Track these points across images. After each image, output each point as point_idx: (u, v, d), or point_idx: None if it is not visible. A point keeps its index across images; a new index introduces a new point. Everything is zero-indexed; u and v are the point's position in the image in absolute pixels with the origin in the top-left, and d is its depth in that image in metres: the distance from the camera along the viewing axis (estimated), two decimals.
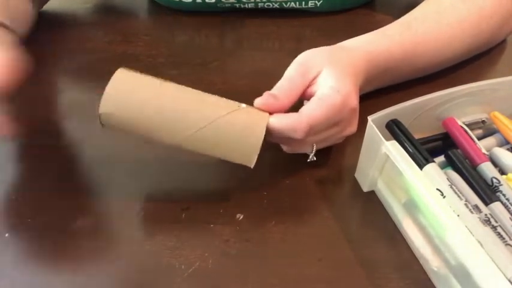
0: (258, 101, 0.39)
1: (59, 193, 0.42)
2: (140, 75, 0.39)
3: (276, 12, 0.63)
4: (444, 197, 0.35)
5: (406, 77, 0.51)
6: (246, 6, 0.61)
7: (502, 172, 0.39)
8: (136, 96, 0.37)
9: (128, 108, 0.37)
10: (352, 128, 0.42)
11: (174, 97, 0.38)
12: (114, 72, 0.37)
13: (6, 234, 0.39)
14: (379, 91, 0.50)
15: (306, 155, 0.43)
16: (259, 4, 0.61)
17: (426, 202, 0.36)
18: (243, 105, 0.39)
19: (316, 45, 0.44)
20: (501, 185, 0.37)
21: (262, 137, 0.38)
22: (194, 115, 0.37)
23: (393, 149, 0.36)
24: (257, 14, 0.63)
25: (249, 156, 0.38)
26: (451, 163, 0.39)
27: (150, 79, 0.38)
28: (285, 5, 0.61)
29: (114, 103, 0.36)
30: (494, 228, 0.34)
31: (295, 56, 0.43)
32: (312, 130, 0.39)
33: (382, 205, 0.41)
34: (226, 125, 0.37)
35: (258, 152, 0.38)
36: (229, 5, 0.61)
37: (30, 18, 0.56)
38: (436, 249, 0.36)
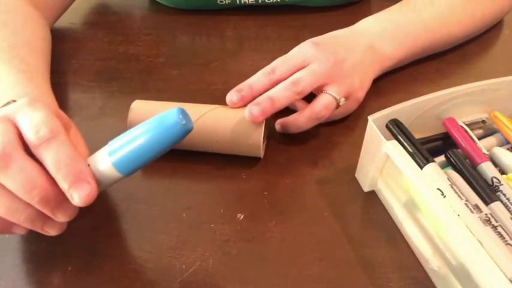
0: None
1: None
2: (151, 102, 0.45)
3: (276, 11, 0.63)
4: (444, 196, 0.35)
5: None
6: (247, 1, 0.61)
7: (502, 172, 0.39)
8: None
9: None
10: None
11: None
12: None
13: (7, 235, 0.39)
14: (379, 91, 0.50)
15: (308, 157, 0.43)
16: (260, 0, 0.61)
17: (426, 202, 0.36)
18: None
19: None
20: (501, 184, 0.37)
21: (263, 124, 0.41)
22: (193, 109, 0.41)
23: (393, 149, 0.36)
24: (258, 14, 0.63)
25: (255, 147, 0.42)
26: (451, 163, 0.39)
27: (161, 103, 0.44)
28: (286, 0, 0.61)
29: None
30: (494, 227, 0.34)
31: None
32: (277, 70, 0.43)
33: (383, 205, 0.41)
34: (221, 115, 0.42)
35: (261, 140, 0.41)
36: (230, 1, 0.61)
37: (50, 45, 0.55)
38: (436, 249, 0.36)
